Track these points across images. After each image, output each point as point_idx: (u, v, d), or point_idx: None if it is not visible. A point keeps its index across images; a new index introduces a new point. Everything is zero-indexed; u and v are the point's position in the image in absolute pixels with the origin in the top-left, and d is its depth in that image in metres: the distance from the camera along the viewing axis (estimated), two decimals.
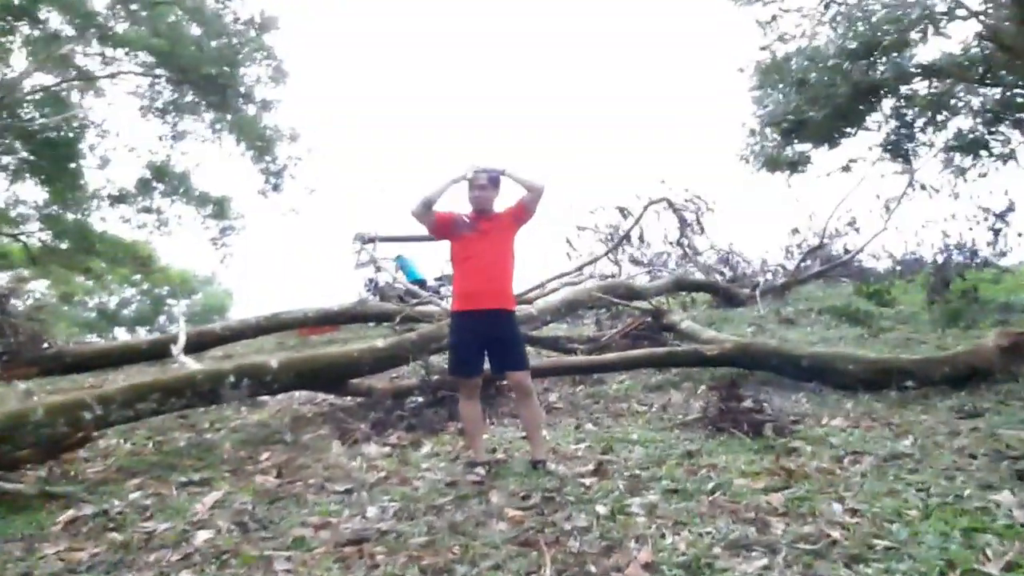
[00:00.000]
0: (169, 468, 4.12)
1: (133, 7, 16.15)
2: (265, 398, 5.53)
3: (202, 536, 3.00)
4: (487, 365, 3.79)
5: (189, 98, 17.70)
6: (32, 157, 16.68)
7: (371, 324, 10.37)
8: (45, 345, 8.39)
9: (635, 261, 9.42)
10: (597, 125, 72.20)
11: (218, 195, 19.43)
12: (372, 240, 9.70)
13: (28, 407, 3.84)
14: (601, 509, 2.98)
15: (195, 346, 8.75)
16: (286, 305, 9.64)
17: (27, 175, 17.35)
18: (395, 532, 2.90)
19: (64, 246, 18.99)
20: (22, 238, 19.06)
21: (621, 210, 8.42)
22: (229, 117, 17.79)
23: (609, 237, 8.74)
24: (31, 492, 3.66)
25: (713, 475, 3.34)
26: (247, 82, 17.28)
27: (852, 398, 4.70)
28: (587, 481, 3.37)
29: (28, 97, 15.70)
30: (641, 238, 8.88)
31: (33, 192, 18.20)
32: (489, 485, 3.41)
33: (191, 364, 5.08)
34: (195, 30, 16.64)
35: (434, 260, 16.07)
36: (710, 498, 3.05)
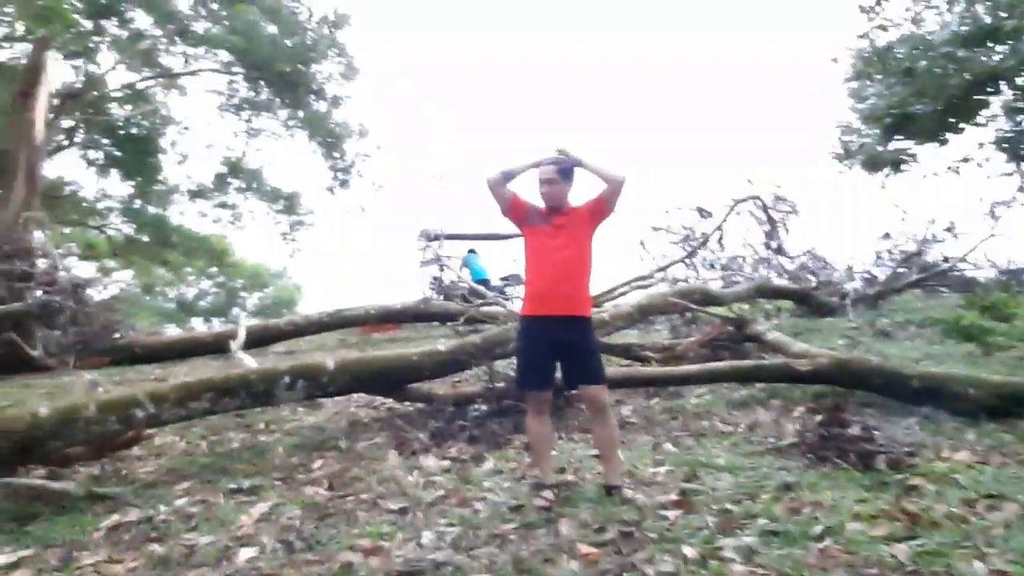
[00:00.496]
0: (220, 472, 3.93)
1: (213, 6, 16.55)
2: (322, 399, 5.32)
3: (244, 555, 2.76)
4: (559, 374, 3.41)
5: (264, 95, 18.05)
6: (117, 152, 17.35)
7: (435, 323, 10.19)
8: (116, 335, 8.53)
9: (711, 265, 8.85)
10: (661, 128, 70.81)
11: (289, 191, 19.80)
12: (437, 238, 9.52)
13: (80, 403, 3.70)
14: (689, 551, 2.56)
15: (259, 340, 8.77)
16: (352, 301, 9.59)
17: (112, 170, 18.06)
18: (452, 565, 2.56)
19: (145, 239, 19.73)
20: (107, 230, 19.91)
21: (700, 210, 7.89)
22: (301, 114, 18.04)
23: (686, 238, 8.22)
24: (78, 493, 3.51)
25: (820, 515, 2.86)
26: (319, 79, 17.47)
27: (974, 427, 4.09)
28: (670, 514, 2.95)
29: (113, 94, 16.29)
30: (720, 240, 8.32)
31: (118, 187, 18.98)
32: (558, 512, 3.03)
33: (248, 361, 4.91)
34: (271, 28, 16.91)
35: (503, 259, 15.76)
36: (819, 545, 2.58)
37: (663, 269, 7.63)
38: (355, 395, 5.38)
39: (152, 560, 2.76)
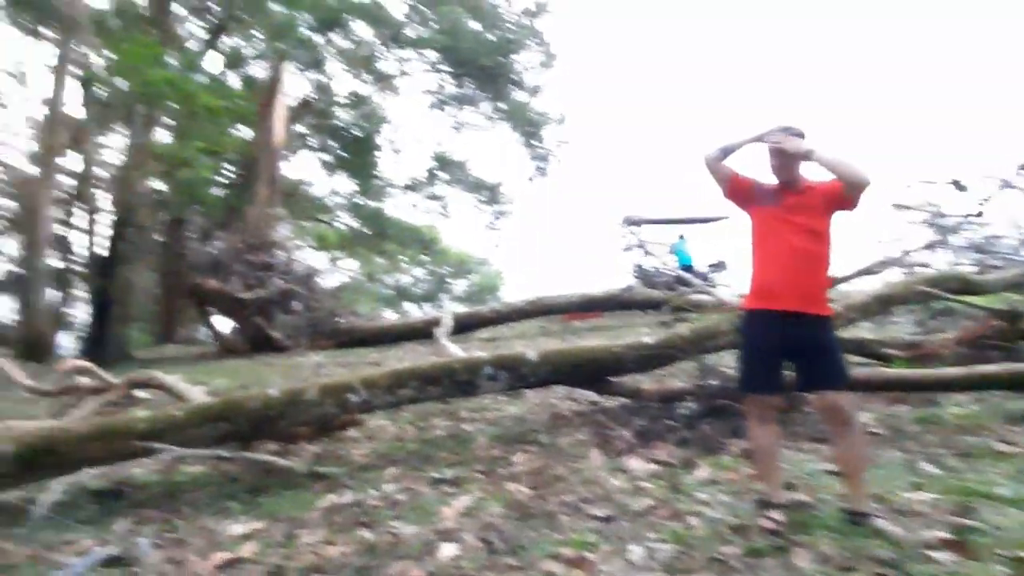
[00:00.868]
0: (425, 460, 3.98)
1: (423, 9, 17.49)
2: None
3: (446, 551, 2.68)
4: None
5: (468, 90, 18.78)
6: (342, 153, 19.14)
7: (637, 312, 9.84)
8: (339, 320, 9.31)
9: (969, 244, 7.42)
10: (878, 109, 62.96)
11: (491, 181, 20.49)
12: (640, 223, 9.14)
13: (303, 386, 3.94)
14: None
15: (465, 327, 9.06)
16: (553, 288, 9.62)
17: (339, 169, 19.99)
18: None
19: (366, 231, 21.63)
20: (335, 224, 22.15)
21: (956, 184, 6.60)
22: (503, 105, 18.49)
23: (935, 217, 6.98)
24: (301, 470, 3.74)
25: None
26: (518, 69, 17.76)
27: None
28: (940, 556, 2.37)
29: (338, 100, 17.91)
30: (979, 219, 6.93)
31: (344, 184, 20.99)
32: (790, 539, 2.58)
33: (452, 349, 4.98)
34: (473, 24, 17.47)
35: (713, 245, 14.79)
36: None
37: (909, 252, 6.51)
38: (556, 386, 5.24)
39: (361, 547, 2.79)
